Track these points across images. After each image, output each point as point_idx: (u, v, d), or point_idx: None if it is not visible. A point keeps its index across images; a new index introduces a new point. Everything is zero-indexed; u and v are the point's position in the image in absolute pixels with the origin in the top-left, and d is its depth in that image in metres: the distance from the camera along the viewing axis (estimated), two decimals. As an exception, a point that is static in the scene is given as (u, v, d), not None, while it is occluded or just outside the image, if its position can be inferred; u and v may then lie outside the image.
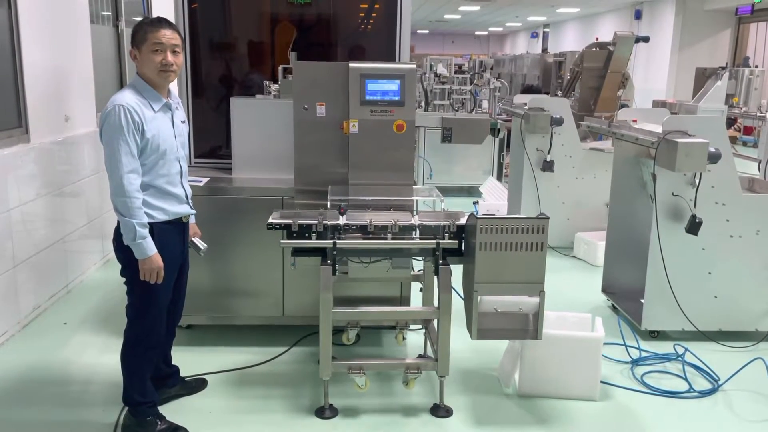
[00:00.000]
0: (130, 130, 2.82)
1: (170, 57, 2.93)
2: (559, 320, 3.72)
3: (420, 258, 3.54)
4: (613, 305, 4.85)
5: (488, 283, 3.13)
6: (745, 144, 13.69)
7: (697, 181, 4.01)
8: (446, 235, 3.29)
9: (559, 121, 6.18)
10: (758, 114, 11.92)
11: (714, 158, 3.90)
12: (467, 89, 10.79)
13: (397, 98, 3.64)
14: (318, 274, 3.25)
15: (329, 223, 3.26)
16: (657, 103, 11.80)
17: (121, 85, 6.30)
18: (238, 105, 4.13)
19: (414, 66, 3.79)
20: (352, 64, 3.64)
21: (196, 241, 3.38)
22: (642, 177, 4.59)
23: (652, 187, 4.14)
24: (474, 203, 7.72)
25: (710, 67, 12.77)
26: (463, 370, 3.83)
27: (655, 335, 4.34)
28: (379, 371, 3.75)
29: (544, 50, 22.51)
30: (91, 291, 5.06)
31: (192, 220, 3.32)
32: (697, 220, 3.98)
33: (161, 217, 2.99)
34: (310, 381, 3.69)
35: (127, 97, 2.88)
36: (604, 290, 4.95)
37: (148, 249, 2.88)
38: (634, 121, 4.57)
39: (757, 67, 13.28)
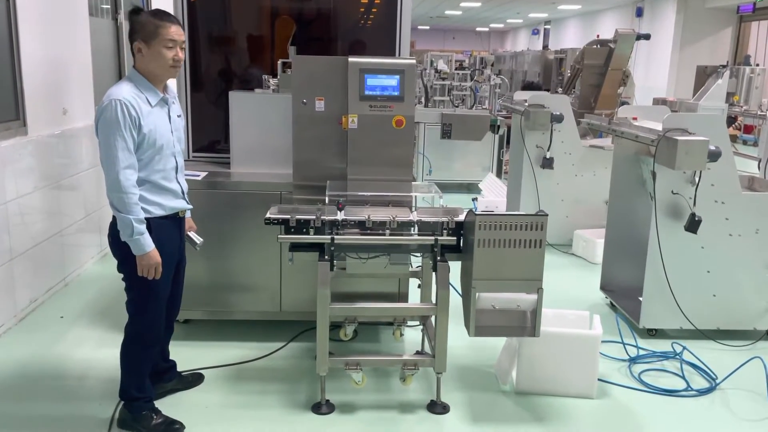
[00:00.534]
0: (126, 125, 2.79)
1: (180, 53, 2.93)
2: (557, 318, 3.72)
3: (418, 254, 3.53)
4: (611, 303, 4.85)
5: (486, 279, 3.12)
6: (745, 143, 13.68)
7: (696, 179, 3.99)
8: (445, 231, 3.28)
9: (559, 118, 6.17)
10: (759, 113, 11.91)
11: (714, 156, 3.89)
12: (467, 86, 10.78)
13: (396, 93, 3.62)
14: (316, 269, 3.24)
15: (327, 218, 3.25)
16: (657, 101, 11.79)
17: (120, 78, 6.27)
18: (237, 99, 4.11)
19: (414, 61, 3.77)
20: (351, 59, 3.62)
21: (192, 235, 3.37)
22: (642, 175, 4.58)
23: (651, 184, 4.12)
24: (473, 199, 7.71)
25: (711, 65, 12.75)
26: (460, 367, 3.83)
27: (653, 333, 4.33)
28: (376, 367, 3.74)
29: (545, 47, 22.47)
30: (89, 285, 5.04)
31: (188, 214, 3.31)
32: (697, 219, 3.97)
33: (158, 212, 2.97)
34: (306, 376, 3.68)
35: (124, 92, 2.84)
36: (603, 288, 4.94)
37: (145, 245, 2.86)
38: (634, 118, 4.56)
39: (758, 65, 13.26)
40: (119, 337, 3.14)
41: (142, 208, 2.87)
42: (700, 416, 3.48)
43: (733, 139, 13.05)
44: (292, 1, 4.73)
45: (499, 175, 8.77)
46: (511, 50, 24.91)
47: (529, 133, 6.25)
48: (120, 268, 3.02)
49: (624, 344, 4.07)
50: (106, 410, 3.28)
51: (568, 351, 3.51)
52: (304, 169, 3.79)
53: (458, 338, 3.69)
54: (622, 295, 4.75)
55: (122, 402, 3.19)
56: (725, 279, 4.21)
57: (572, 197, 6.39)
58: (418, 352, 3.90)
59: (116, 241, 2.92)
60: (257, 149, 4.13)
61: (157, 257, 2.90)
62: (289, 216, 3.25)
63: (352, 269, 3.44)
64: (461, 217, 3.30)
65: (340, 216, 3.26)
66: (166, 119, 3.00)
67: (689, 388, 3.70)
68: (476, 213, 3.11)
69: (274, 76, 4.38)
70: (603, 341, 3.62)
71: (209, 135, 4.58)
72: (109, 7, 6.06)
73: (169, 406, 3.28)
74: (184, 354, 3.71)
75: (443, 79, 10.79)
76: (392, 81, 3.61)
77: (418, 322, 4.19)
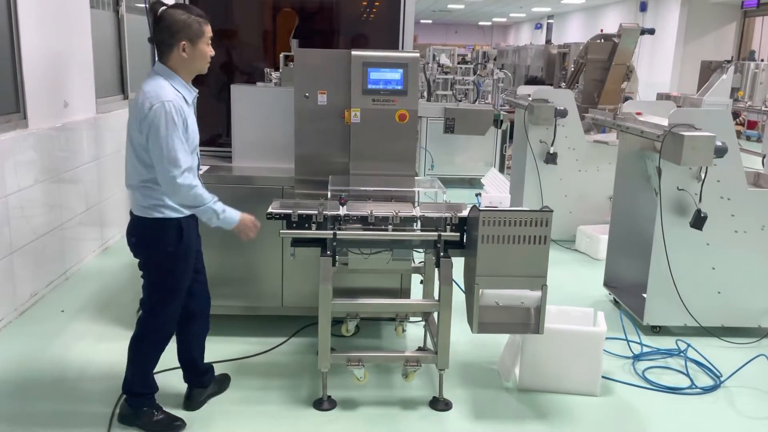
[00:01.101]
0: (179, 126, 2.77)
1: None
2: (561, 314, 3.69)
3: (421, 250, 3.51)
4: (614, 299, 4.82)
5: (490, 276, 3.10)
6: (748, 138, 13.62)
7: (702, 175, 3.96)
8: (448, 227, 3.25)
9: (563, 113, 6.13)
10: (763, 108, 11.85)
11: (720, 152, 3.85)
12: (470, 80, 10.73)
13: (399, 87, 3.59)
14: (317, 264, 3.21)
15: (329, 213, 3.22)
16: (661, 96, 11.73)
17: (121, 71, 6.24)
18: (239, 92, 4.08)
19: (417, 55, 3.74)
20: (354, 52, 3.58)
21: None
22: (646, 170, 4.55)
23: (656, 180, 4.09)
24: (477, 195, 7.67)
25: (715, 61, 12.69)
26: (462, 364, 3.81)
27: (657, 330, 4.31)
28: (378, 363, 3.72)
29: (548, 41, 22.37)
30: (89, 278, 5.02)
31: None
32: (702, 215, 3.94)
33: (187, 211, 2.95)
34: (308, 372, 3.66)
35: (169, 93, 2.78)
36: (606, 284, 4.91)
37: (234, 216, 2.94)
38: (639, 113, 4.52)
39: (762, 60, 13.20)
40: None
41: (175, 208, 2.88)
42: (705, 414, 3.45)
43: (737, 135, 12.99)
44: (294, -6, 4.70)
45: (501, 170, 8.73)
46: (514, 44, 24.80)
47: (532, 127, 6.22)
48: (141, 266, 3.02)
49: (628, 341, 4.04)
50: (107, 405, 3.26)
51: (571, 348, 3.48)
52: (306, 164, 3.76)
53: (461, 335, 3.67)
54: (626, 291, 4.72)
55: (124, 396, 3.17)
56: (730, 276, 4.18)
57: (576, 193, 6.36)
58: (420, 349, 3.88)
59: (139, 241, 2.93)
60: (259, 143, 4.10)
61: (248, 218, 3.00)
62: (291, 211, 3.22)
63: (354, 265, 3.42)
64: (465, 213, 3.27)
65: (342, 211, 3.24)
66: (194, 118, 2.97)
67: (693, 386, 3.67)
68: (480, 209, 3.09)
69: (276, 69, 4.35)
70: (606, 338, 3.59)
71: (210, 129, 4.54)
72: (110, -1, 6.03)
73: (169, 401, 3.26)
74: (185, 349, 3.69)
75: (446, 73, 10.74)
76: (396, 75, 3.58)
77: (420, 318, 4.17)
